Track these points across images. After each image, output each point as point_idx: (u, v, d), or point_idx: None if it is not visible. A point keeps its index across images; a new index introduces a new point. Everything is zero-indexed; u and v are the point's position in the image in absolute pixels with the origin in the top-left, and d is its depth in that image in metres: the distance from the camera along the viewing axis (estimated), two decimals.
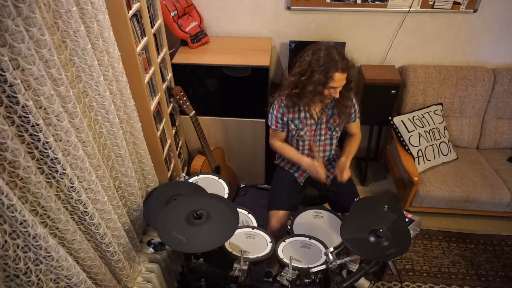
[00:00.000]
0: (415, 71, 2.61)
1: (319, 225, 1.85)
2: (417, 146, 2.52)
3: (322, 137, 1.96)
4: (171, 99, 2.35)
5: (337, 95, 1.74)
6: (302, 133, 1.92)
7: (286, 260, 1.58)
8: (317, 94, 1.74)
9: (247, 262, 1.52)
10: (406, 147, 2.53)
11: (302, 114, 1.88)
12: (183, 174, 2.05)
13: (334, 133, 1.95)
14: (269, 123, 1.97)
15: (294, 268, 1.55)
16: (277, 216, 1.96)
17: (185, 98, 2.28)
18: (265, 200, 2.12)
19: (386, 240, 1.40)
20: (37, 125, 0.98)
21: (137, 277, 1.75)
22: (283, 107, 1.87)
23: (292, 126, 1.91)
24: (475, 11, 2.47)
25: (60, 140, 1.12)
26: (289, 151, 1.99)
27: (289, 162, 2.11)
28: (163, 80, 2.18)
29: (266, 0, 2.50)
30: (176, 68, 2.33)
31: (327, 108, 1.89)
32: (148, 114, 1.92)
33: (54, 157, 1.06)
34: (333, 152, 2.05)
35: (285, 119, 1.90)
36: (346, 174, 1.89)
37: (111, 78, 1.42)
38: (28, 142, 1.01)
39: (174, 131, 2.44)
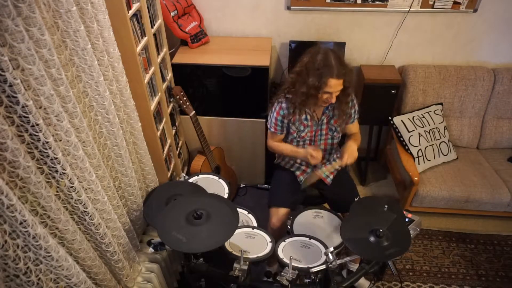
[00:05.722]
0: (415, 71, 2.61)
1: (319, 225, 1.85)
2: (417, 146, 2.52)
3: (323, 137, 1.96)
4: (171, 99, 2.35)
5: (333, 100, 1.72)
6: (303, 134, 1.93)
7: (286, 260, 1.58)
8: (310, 97, 1.73)
9: (247, 262, 1.52)
10: (406, 147, 2.53)
11: (303, 116, 1.88)
12: (183, 174, 2.05)
13: (335, 133, 1.96)
14: (268, 125, 1.98)
15: (294, 268, 1.55)
16: (278, 214, 1.96)
17: (185, 98, 2.28)
18: (265, 200, 2.12)
19: (386, 240, 1.40)
20: (37, 125, 0.98)
21: (137, 277, 1.75)
22: (283, 108, 1.87)
23: (294, 128, 1.91)
24: (475, 11, 2.47)
25: (60, 140, 1.12)
26: (285, 148, 1.99)
27: (289, 162, 2.11)
28: (163, 80, 2.18)
29: (266, 0, 2.50)
30: (176, 68, 2.33)
31: (327, 109, 1.89)
32: (148, 114, 1.92)
33: (54, 157, 1.06)
34: (334, 152, 2.05)
35: (285, 121, 1.90)
36: (350, 157, 1.81)
37: (111, 78, 1.42)
38: (28, 142, 1.01)
39: (174, 131, 2.44)
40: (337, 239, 1.74)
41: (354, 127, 2.02)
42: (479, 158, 2.66)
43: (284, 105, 1.86)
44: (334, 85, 1.67)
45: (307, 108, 1.84)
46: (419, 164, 2.50)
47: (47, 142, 1.03)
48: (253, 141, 2.64)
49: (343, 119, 1.90)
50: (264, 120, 2.49)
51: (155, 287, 1.77)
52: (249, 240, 1.70)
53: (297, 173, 2.07)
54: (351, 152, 1.83)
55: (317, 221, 1.87)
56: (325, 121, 1.91)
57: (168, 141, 2.33)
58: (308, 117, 1.88)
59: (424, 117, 2.58)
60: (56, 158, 1.07)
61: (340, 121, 1.92)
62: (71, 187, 1.16)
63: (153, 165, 1.92)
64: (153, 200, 1.75)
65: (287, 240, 1.70)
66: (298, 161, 2.06)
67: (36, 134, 0.99)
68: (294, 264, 1.59)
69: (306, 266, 1.59)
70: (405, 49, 2.68)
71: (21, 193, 1.00)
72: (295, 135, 1.94)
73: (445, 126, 2.62)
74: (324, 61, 1.65)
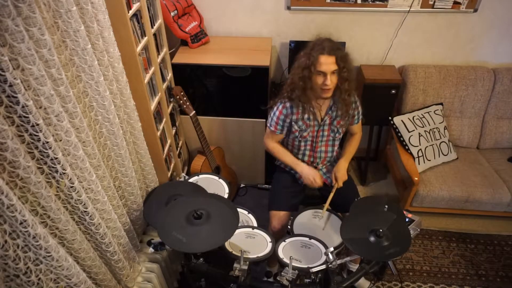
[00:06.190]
0: (415, 71, 2.61)
1: (319, 225, 1.85)
2: (417, 146, 2.52)
3: (325, 138, 1.96)
4: (171, 99, 2.35)
5: (329, 82, 1.69)
6: (305, 134, 1.92)
7: (286, 260, 1.58)
8: (307, 80, 1.73)
9: (247, 262, 1.52)
10: (406, 147, 2.53)
11: (306, 115, 1.87)
12: (183, 174, 2.05)
13: (337, 134, 1.96)
14: (268, 124, 1.97)
15: (294, 268, 1.55)
16: (278, 216, 1.96)
17: (185, 98, 2.28)
18: (265, 200, 2.12)
19: (386, 240, 1.40)
20: (37, 125, 0.98)
21: (137, 277, 1.75)
22: (287, 107, 1.86)
23: (296, 127, 1.91)
24: (475, 11, 2.47)
25: (60, 140, 1.12)
26: (284, 155, 2.00)
27: None
28: (163, 80, 2.18)
29: (266, 0, 2.50)
30: (176, 68, 2.33)
31: (331, 110, 1.89)
32: (148, 114, 1.92)
33: (54, 157, 1.06)
34: (334, 153, 2.05)
35: (288, 120, 1.90)
36: (341, 179, 1.93)
37: (111, 78, 1.42)
38: (28, 142, 1.01)
39: (174, 131, 2.44)
40: (337, 239, 1.74)
41: (357, 127, 2.04)
42: (479, 158, 2.66)
43: (287, 104, 1.86)
44: (325, 62, 1.66)
45: (312, 96, 1.81)
46: (419, 164, 2.50)
47: (47, 142, 1.03)
48: (253, 141, 2.64)
49: (346, 120, 1.90)
50: (264, 120, 2.49)
51: (155, 287, 1.77)
52: (249, 240, 1.70)
53: (298, 175, 2.07)
54: (342, 176, 1.94)
55: (317, 221, 1.88)
56: (327, 122, 1.91)
57: (168, 141, 2.33)
58: (311, 117, 1.88)
59: (424, 117, 2.58)
60: (56, 158, 1.07)
61: (343, 122, 1.92)
62: (71, 187, 1.16)
63: (153, 165, 1.92)
64: (153, 200, 1.75)
65: (287, 240, 1.70)
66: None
67: (36, 134, 0.99)
68: (294, 264, 1.59)
69: (306, 266, 1.59)
70: (405, 49, 2.68)
71: (21, 193, 1.00)
72: (296, 134, 1.93)
73: (445, 126, 2.62)
74: (315, 42, 1.71)
